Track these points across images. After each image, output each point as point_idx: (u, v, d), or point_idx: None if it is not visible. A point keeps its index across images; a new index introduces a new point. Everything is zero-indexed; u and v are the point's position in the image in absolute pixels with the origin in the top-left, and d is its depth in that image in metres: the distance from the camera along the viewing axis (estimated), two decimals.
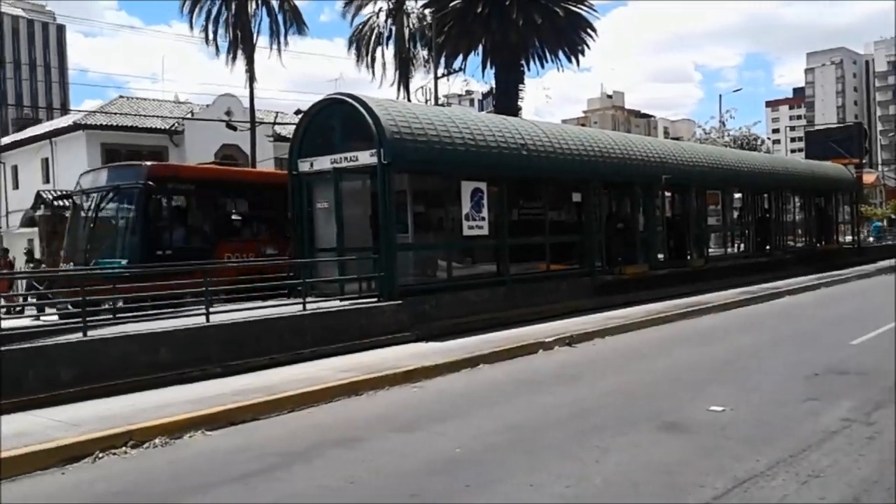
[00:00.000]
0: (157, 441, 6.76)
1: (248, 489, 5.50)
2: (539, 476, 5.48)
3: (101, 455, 6.39)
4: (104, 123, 30.45)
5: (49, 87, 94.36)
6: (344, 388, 8.62)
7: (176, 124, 31.59)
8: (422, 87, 34.20)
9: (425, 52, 35.11)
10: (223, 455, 6.49)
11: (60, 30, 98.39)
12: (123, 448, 6.55)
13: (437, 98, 31.48)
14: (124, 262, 12.97)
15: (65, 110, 63.16)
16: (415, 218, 13.77)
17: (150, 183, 13.36)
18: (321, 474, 5.76)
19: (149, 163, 14.06)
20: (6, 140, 38.58)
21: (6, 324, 9.46)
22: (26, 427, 6.88)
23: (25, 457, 6.10)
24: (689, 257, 20.08)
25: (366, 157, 12.54)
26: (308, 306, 11.08)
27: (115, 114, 31.78)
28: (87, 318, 9.07)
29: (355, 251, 13.00)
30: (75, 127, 30.26)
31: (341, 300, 12.22)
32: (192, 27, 31.00)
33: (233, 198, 15.76)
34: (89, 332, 8.92)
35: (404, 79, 35.84)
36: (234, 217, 15.54)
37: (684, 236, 20.22)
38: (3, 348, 8.00)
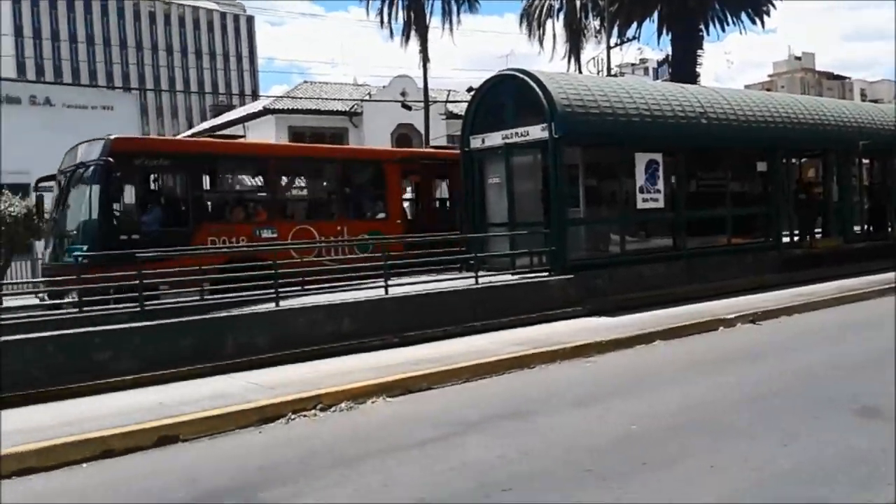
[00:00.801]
0: (342, 405, 7.15)
1: (426, 455, 5.70)
2: (721, 458, 5.27)
3: (293, 417, 6.86)
4: (290, 108, 32.24)
5: (241, 75, 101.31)
6: (515, 362, 8.69)
7: (355, 106, 32.95)
8: (593, 59, 33.51)
9: (597, 23, 34.32)
10: (402, 421, 6.77)
11: (250, 21, 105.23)
12: (313, 411, 6.99)
13: (609, 69, 30.70)
14: (85, 248, 11.58)
15: (255, 96, 67.71)
16: (586, 191, 13.52)
17: (111, 159, 11.83)
18: (495, 444, 5.85)
19: (113, 136, 12.41)
20: (205, 125, 41.96)
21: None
22: (227, 389, 7.52)
23: (227, 416, 6.67)
24: (889, 230, 18.42)
25: (537, 132, 12.47)
26: (480, 280, 11.25)
27: (300, 98, 33.56)
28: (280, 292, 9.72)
29: (526, 226, 12.97)
30: (265, 112, 32.25)
31: (512, 274, 12.30)
32: (367, 11, 32.28)
33: (219, 174, 14.17)
34: (281, 303, 9.59)
35: (575, 51, 35.24)
36: (219, 196, 14.04)
37: (885, 207, 18.54)
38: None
